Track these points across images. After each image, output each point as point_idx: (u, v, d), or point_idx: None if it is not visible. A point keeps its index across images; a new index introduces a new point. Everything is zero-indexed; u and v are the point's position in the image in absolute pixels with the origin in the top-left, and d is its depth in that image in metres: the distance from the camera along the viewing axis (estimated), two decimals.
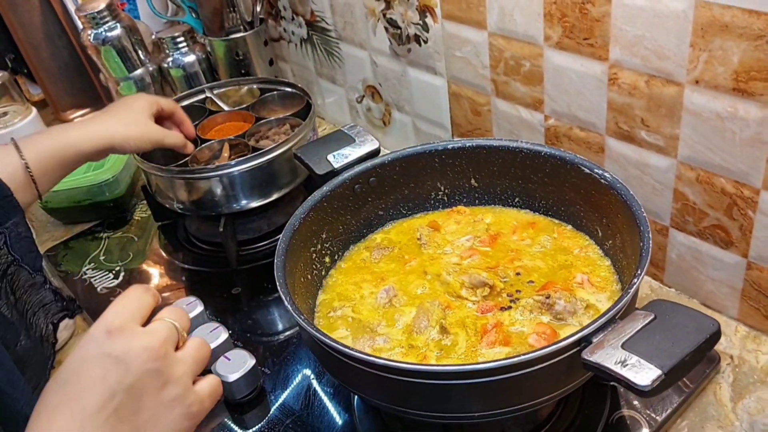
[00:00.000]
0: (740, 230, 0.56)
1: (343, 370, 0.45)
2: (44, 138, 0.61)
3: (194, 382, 0.38)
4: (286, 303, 0.46)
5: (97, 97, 1.17)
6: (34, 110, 1.05)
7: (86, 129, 0.63)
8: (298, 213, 0.55)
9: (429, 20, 0.72)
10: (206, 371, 0.40)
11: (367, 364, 0.42)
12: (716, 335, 0.38)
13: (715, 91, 0.51)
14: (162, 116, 0.71)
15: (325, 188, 0.58)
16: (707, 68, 0.51)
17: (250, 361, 0.57)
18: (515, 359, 0.39)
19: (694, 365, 0.38)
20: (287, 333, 0.66)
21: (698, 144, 0.55)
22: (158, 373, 0.35)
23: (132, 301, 0.38)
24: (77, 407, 0.33)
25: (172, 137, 0.69)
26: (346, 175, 0.59)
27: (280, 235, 0.53)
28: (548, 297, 0.51)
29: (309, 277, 0.56)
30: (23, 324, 0.56)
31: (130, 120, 0.65)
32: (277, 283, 0.48)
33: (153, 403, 0.35)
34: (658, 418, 0.51)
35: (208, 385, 0.39)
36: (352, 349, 0.42)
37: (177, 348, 0.38)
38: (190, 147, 0.73)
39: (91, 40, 0.97)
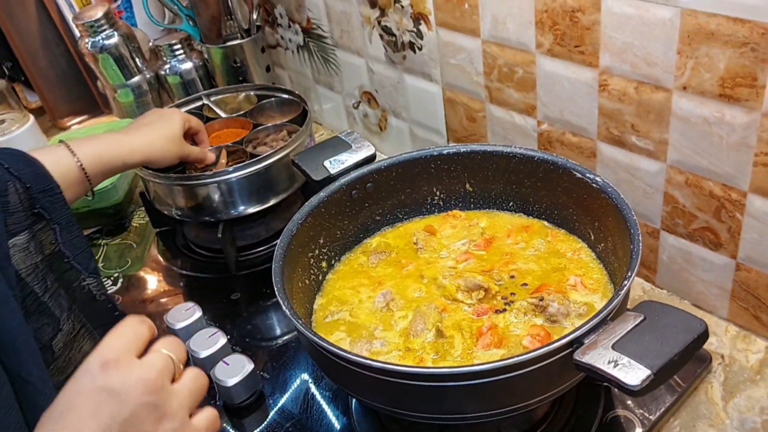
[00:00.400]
0: (729, 232, 0.57)
1: (341, 373, 0.46)
2: (98, 144, 0.62)
3: (191, 415, 0.37)
4: (284, 308, 0.47)
5: (94, 105, 1.18)
6: (32, 118, 1.06)
7: (133, 141, 0.65)
8: (296, 218, 0.56)
9: (423, 28, 0.73)
10: (204, 402, 0.39)
11: (365, 367, 0.43)
12: (704, 335, 0.39)
13: (702, 96, 0.53)
14: (188, 133, 0.73)
15: (323, 194, 0.59)
16: (694, 75, 0.52)
17: (249, 366, 0.58)
18: (509, 361, 0.40)
19: (682, 364, 0.39)
20: (286, 338, 0.67)
21: (687, 148, 0.56)
22: (154, 406, 0.35)
23: (127, 333, 0.37)
24: None
25: (197, 153, 0.73)
26: (343, 180, 0.60)
27: (278, 241, 0.54)
28: (542, 299, 0.52)
29: (307, 281, 0.57)
30: (67, 324, 0.54)
31: (168, 137, 0.68)
32: (275, 288, 0.49)
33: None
34: (651, 417, 0.52)
35: (205, 419, 0.38)
36: (349, 353, 0.43)
37: (173, 380, 0.37)
38: (211, 157, 0.75)
39: (89, 47, 0.98)
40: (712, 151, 0.55)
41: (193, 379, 0.38)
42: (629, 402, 0.54)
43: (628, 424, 0.52)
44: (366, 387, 0.46)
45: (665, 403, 0.53)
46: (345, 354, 0.43)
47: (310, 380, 0.61)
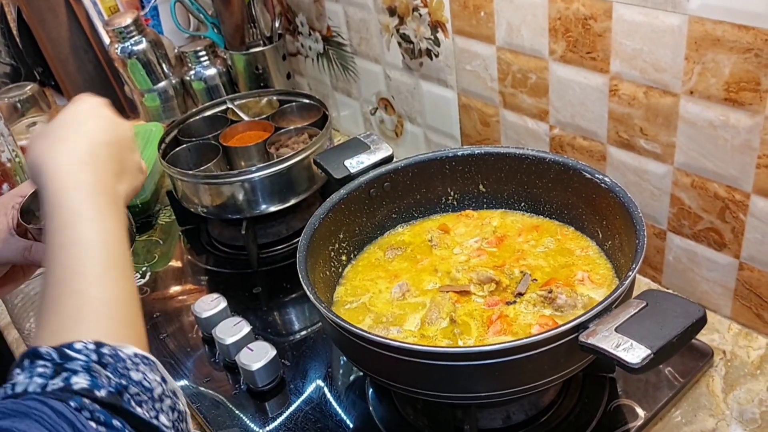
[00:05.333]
0: (732, 232, 0.60)
1: (361, 353, 0.50)
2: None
3: None
4: (308, 293, 0.51)
5: (121, 109, 1.24)
6: None
7: None
8: (318, 213, 0.61)
9: (440, 35, 0.78)
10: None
11: (383, 346, 0.47)
12: (702, 320, 0.43)
13: (708, 101, 0.56)
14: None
15: (343, 191, 0.63)
16: (701, 79, 0.56)
17: (272, 352, 0.62)
18: (519, 342, 0.44)
19: (681, 346, 0.42)
20: (305, 331, 0.71)
21: (693, 151, 0.60)
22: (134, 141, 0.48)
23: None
24: (84, 134, 0.43)
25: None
26: (362, 179, 0.64)
27: (302, 234, 0.58)
28: (550, 292, 0.56)
29: (327, 273, 0.61)
30: None
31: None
32: (300, 275, 0.53)
33: (129, 159, 0.47)
34: (653, 407, 0.55)
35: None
36: (369, 333, 0.47)
37: None
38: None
39: (118, 53, 1.05)
40: (717, 153, 0.58)
41: None
42: (633, 392, 0.57)
43: (631, 413, 0.55)
44: (383, 366, 0.50)
45: (667, 394, 0.56)
46: (365, 334, 0.47)
47: (328, 368, 0.65)
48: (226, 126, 0.87)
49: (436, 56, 0.80)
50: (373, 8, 0.85)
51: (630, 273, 0.48)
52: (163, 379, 0.36)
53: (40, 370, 0.33)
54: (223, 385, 0.64)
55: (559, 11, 0.63)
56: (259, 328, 0.70)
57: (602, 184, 0.58)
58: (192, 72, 1.05)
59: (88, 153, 0.42)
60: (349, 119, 1.02)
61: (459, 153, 0.66)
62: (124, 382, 0.34)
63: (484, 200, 0.68)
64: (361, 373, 0.62)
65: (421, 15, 0.79)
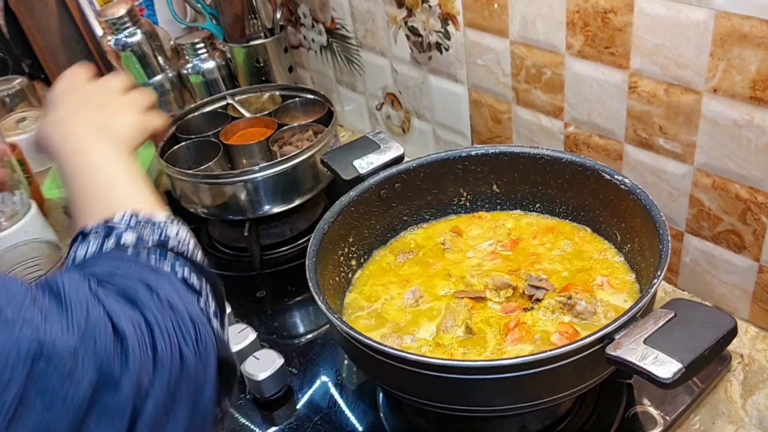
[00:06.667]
0: (753, 235, 0.59)
1: (375, 366, 0.49)
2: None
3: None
4: (318, 302, 0.51)
5: None
6: None
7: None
8: (327, 217, 0.60)
9: (451, 28, 0.77)
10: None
11: (400, 360, 0.46)
12: (733, 331, 0.42)
13: (733, 99, 0.55)
14: None
15: (353, 193, 0.62)
16: (725, 77, 0.55)
17: (279, 360, 0.61)
18: (542, 355, 0.43)
19: (712, 359, 0.42)
20: (312, 334, 0.70)
21: (714, 151, 0.59)
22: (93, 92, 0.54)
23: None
24: (66, 103, 0.52)
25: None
26: (372, 180, 0.63)
27: (311, 238, 0.57)
28: (570, 298, 0.55)
29: (337, 278, 0.61)
30: None
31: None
32: (310, 283, 0.53)
33: (109, 96, 0.53)
34: (671, 414, 0.55)
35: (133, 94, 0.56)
36: (385, 346, 0.46)
37: None
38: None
39: (112, 45, 1.03)
40: (740, 153, 0.57)
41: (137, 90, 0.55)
42: (650, 399, 0.57)
43: (650, 421, 0.55)
44: (398, 379, 0.49)
45: (685, 401, 0.56)
46: (381, 347, 0.46)
47: (337, 375, 0.64)
48: (226, 123, 0.86)
49: (446, 50, 0.79)
50: None
51: (655, 281, 0.47)
52: (191, 236, 0.43)
53: (92, 240, 0.39)
54: None
55: (578, 4, 0.62)
56: (264, 334, 0.70)
57: (622, 186, 0.57)
58: (189, 65, 1.04)
59: (69, 114, 0.50)
60: (354, 114, 1.01)
61: (472, 152, 0.65)
62: (163, 236, 0.41)
63: (498, 201, 0.67)
64: (370, 379, 0.61)
65: (431, 7, 0.77)
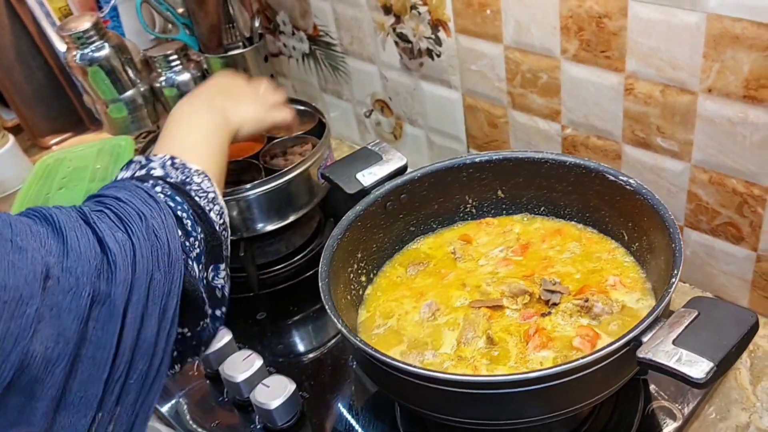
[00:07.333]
0: (750, 226, 0.62)
1: (401, 387, 0.49)
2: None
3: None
4: (339, 326, 0.50)
5: (78, 121, 1.17)
6: (12, 138, 1.05)
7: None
8: (335, 234, 0.59)
9: (442, 34, 0.77)
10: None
11: (431, 380, 0.46)
12: (755, 326, 0.44)
13: (727, 98, 0.58)
14: None
15: (359, 207, 0.62)
16: (719, 77, 0.57)
17: (291, 386, 0.59)
18: (573, 363, 0.44)
19: (739, 355, 0.43)
20: (317, 352, 0.69)
21: (711, 148, 0.61)
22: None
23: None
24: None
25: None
26: (378, 193, 0.63)
27: (321, 259, 0.56)
28: (587, 300, 0.56)
29: (349, 297, 0.60)
30: None
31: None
32: (327, 307, 0.52)
33: (244, 89, 0.67)
34: (689, 406, 0.58)
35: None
36: (414, 367, 0.46)
37: None
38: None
39: (77, 60, 0.98)
40: (735, 149, 0.60)
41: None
42: (667, 393, 0.59)
43: (669, 414, 0.58)
44: (428, 399, 0.49)
45: (700, 392, 0.58)
46: (408, 367, 0.46)
47: (352, 396, 0.63)
48: None
49: (438, 56, 0.79)
50: (365, 6, 0.83)
51: (673, 280, 0.49)
52: (216, 194, 0.53)
53: (132, 167, 0.53)
54: (234, 426, 0.62)
55: (571, 9, 0.64)
56: (269, 359, 0.68)
57: (627, 186, 0.59)
58: (162, 78, 1.00)
59: (201, 92, 0.65)
60: (341, 121, 1.00)
61: (476, 159, 0.65)
62: (188, 179, 0.52)
63: (504, 206, 0.68)
64: (387, 398, 0.60)
65: (420, 13, 0.77)
